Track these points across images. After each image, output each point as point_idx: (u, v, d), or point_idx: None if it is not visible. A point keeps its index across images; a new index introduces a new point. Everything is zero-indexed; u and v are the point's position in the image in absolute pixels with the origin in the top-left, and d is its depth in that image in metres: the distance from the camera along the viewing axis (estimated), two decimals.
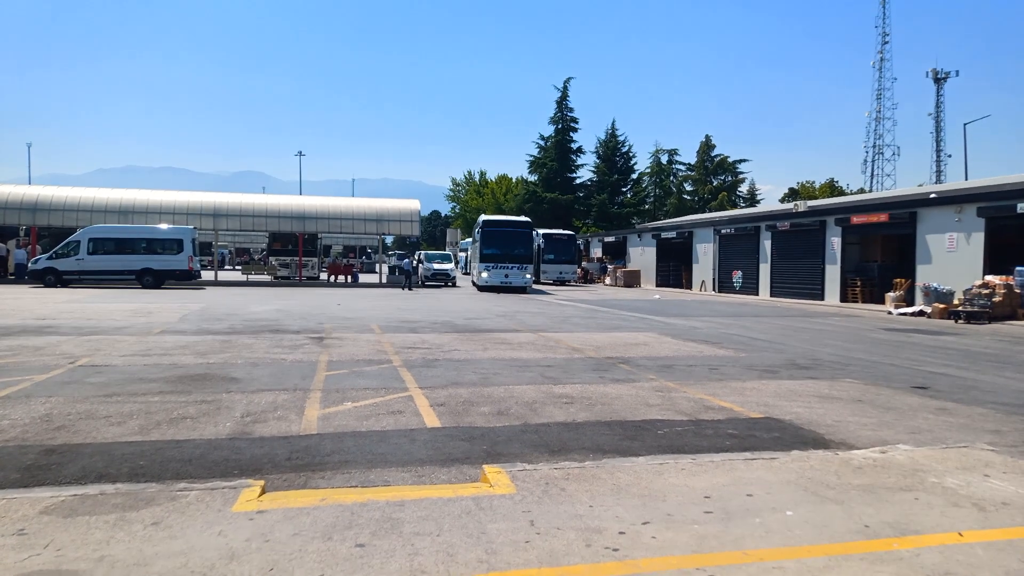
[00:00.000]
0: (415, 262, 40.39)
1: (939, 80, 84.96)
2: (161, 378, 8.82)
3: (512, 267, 33.92)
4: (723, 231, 38.79)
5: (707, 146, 76.47)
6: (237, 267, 58.37)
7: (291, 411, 7.12)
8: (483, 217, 37.90)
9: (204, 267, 44.75)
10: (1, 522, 3.95)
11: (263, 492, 4.53)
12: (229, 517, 4.06)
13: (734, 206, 69.09)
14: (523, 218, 38.75)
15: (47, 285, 30.03)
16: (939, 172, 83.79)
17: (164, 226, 33.07)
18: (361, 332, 14.59)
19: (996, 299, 20.93)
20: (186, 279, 32.18)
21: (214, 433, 6.22)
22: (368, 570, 3.41)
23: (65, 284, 30.43)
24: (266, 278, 42.00)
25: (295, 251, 42.23)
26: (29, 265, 32.14)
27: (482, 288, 34.36)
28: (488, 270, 33.85)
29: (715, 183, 75.29)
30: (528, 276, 34.57)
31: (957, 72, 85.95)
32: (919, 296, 24.45)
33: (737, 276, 37.10)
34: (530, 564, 3.52)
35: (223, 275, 44.47)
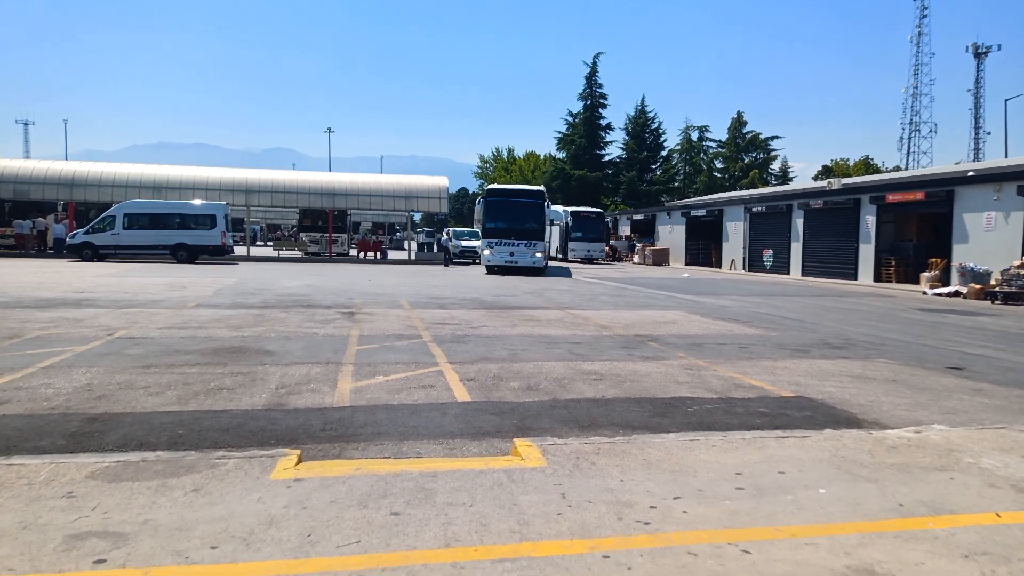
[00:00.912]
0: (444, 239, 40.53)
1: (979, 55, 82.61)
2: (197, 350, 9.00)
3: (519, 244, 28.40)
4: (754, 209, 38.30)
5: (739, 122, 75.28)
6: (268, 243, 59.05)
7: (324, 384, 7.23)
8: (488, 187, 32.75)
9: (236, 243, 45.33)
10: (51, 485, 4.08)
11: (299, 461, 4.63)
12: (267, 484, 4.16)
13: (766, 184, 68.11)
14: (534, 186, 33.31)
15: (84, 259, 30.66)
16: (977, 150, 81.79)
17: (198, 202, 33.50)
18: (391, 308, 14.72)
19: None
20: (219, 254, 32.62)
21: (250, 404, 6.35)
22: (404, 537, 3.48)
23: (101, 258, 31.04)
24: (296, 254, 42.42)
25: (325, 227, 42.54)
26: (67, 239, 32.81)
27: (489, 269, 29.51)
28: (491, 247, 28.61)
29: (746, 160, 74.20)
30: (539, 255, 28.63)
31: (999, 46, 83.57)
32: (955, 276, 23.98)
33: (768, 255, 36.67)
34: (562, 535, 3.56)
35: (255, 251, 45.03)
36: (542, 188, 30.42)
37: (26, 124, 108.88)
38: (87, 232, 31.41)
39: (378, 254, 42.92)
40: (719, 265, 41.39)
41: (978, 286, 22.01)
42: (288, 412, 6.10)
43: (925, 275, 25.12)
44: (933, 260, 25.59)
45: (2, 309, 12.81)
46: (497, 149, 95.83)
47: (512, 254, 28.26)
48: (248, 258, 37.86)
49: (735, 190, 63.16)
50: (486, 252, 28.72)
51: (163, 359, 8.36)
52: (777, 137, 75.59)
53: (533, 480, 4.35)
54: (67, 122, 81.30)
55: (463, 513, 3.80)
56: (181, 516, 3.69)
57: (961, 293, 22.51)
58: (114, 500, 3.89)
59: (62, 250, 33.83)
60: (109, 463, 4.50)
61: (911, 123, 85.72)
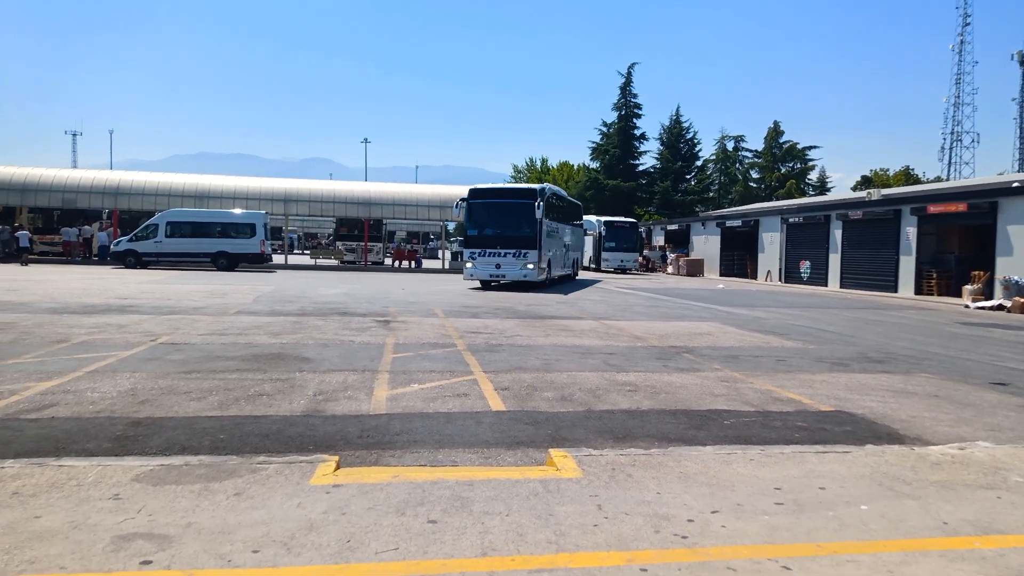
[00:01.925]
0: None
1: None
2: (237, 356, 9.16)
3: (505, 253, 23.57)
4: (791, 220, 37.79)
5: (775, 132, 74.39)
6: (305, 251, 59.86)
7: (361, 391, 7.31)
8: (471, 188, 25.75)
9: (275, 251, 46.06)
10: (99, 487, 4.19)
11: (338, 467, 4.69)
12: (307, 490, 4.22)
13: (803, 194, 67.16)
14: (526, 184, 27.26)
15: (127, 266, 31.41)
16: (1022, 160, 79.70)
17: (238, 211, 34.15)
18: (425, 316, 14.82)
19: None
20: (258, 262, 33.19)
21: (289, 410, 6.45)
22: (441, 545, 3.50)
23: (144, 265, 31.76)
24: (333, 262, 42.95)
25: (361, 236, 43.04)
26: (111, 247, 33.65)
27: (483, 283, 25.33)
28: (473, 258, 24.14)
29: (783, 170, 73.24)
30: (531, 266, 23.58)
31: None
32: (998, 289, 23.38)
33: (805, 266, 36.13)
34: (599, 547, 3.55)
35: (292, 259, 45.70)
36: (535, 187, 24.27)
37: (74, 135, 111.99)
38: (131, 240, 32.19)
39: (412, 263, 43.25)
40: (754, 276, 40.89)
41: (1023, 300, 21.43)
42: (326, 418, 6.18)
43: (967, 288, 24.54)
44: (976, 273, 24.98)
45: (50, 314, 13.18)
46: (531, 159, 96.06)
47: (498, 266, 23.57)
48: (286, 266, 38.42)
49: (771, 200, 62.41)
50: (467, 265, 24.20)
51: (204, 365, 8.53)
52: (815, 147, 74.59)
53: (569, 491, 4.35)
54: (112, 132, 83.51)
55: (500, 522, 3.82)
56: (224, 520, 3.77)
57: (1005, 307, 21.93)
58: (159, 503, 3.98)
59: (106, 257, 34.70)
60: (153, 466, 4.61)
61: (953, 133, 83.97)
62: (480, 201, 24.43)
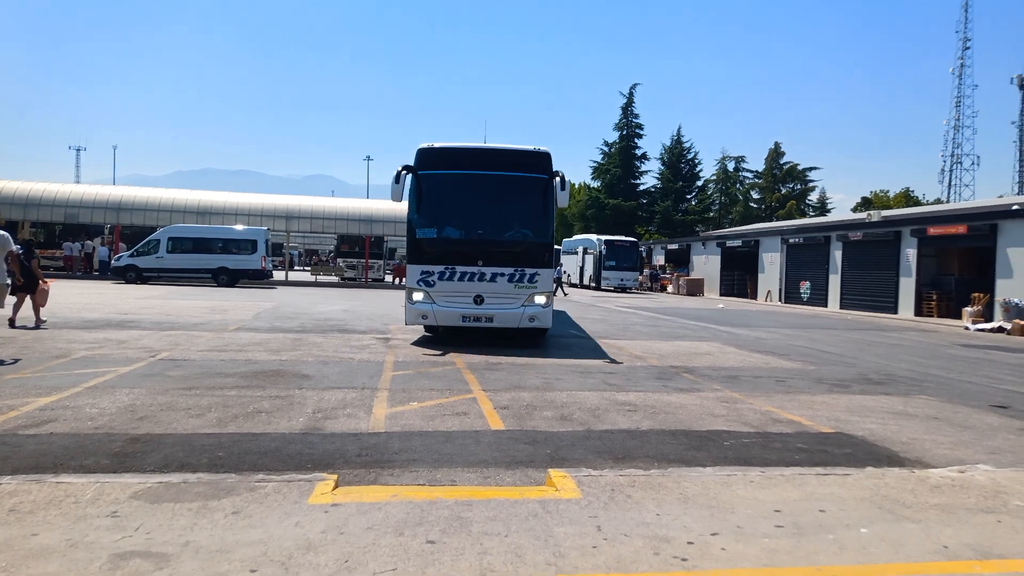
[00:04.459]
0: None
1: None
2: (237, 373, 9.15)
3: (493, 275, 12.69)
4: (791, 240, 37.87)
5: (776, 153, 74.81)
6: (306, 268, 59.89)
7: (360, 409, 7.30)
8: (420, 146, 13.20)
9: (276, 267, 46.10)
10: (96, 504, 4.18)
11: (336, 486, 4.67)
12: (305, 509, 4.21)
13: (803, 215, 67.38)
14: (523, 146, 13.41)
15: (128, 281, 31.41)
16: (1022, 183, 79.97)
17: (239, 227, 34.26)
18: (426, 335, 14.79)
19: None
20: (259, 279, 33.22)
21: (288, 428, 6.43)
22: (439, 566, 3.49)
23: (145, 281, 31.77)
24: (334, 279, 42.97)
25: (361, 253, 43.09)
26: (112, 262, 33.69)
27: (429, 329, 14.31)
28: (427, 284, 12.72)
29: (783, 191, 73.59)
30: (540, 300, 12.79)
31: None
32: (998, 312, 23.39)
33: (805, 287, 36.17)
34: (598, 569, 3.54)
35: (293, 275, 45.72)
36: (543, 149, 13.16)
37: (78, 150, 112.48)
38: (132, 255, 32.23)
39: None
40: (754, 296, 40.89)
41: (1023, 322, 21.43)
42: (325, 436, 6.17)
43: (967, 310, 24.54)
44: (976, 295, 24.99)
45: (50, 329, 13.17)
46: None
47: (479, 298, 12.59)
48: (287, 282, 38.44)
49: (771, 221, 62.56)
50: (416, 296, 12.75)
51: (204, 381, 8.52)
52: (815, 168, 75.02)
53: (568, 512, 4.33)
54: (116, 148, 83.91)
55: (498, 543, 3.80)
56: (222, 538, 3.75)
57: (1005, 329, 21.92)
58: (156, 521, 3.97)
59: (107, 272, 34.72)
60: (151, 484, 4.59)
61: (953, 155, 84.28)
62: (441, 174, 12.88)
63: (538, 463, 5.57)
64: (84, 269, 37.61)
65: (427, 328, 13.96)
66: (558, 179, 12.46)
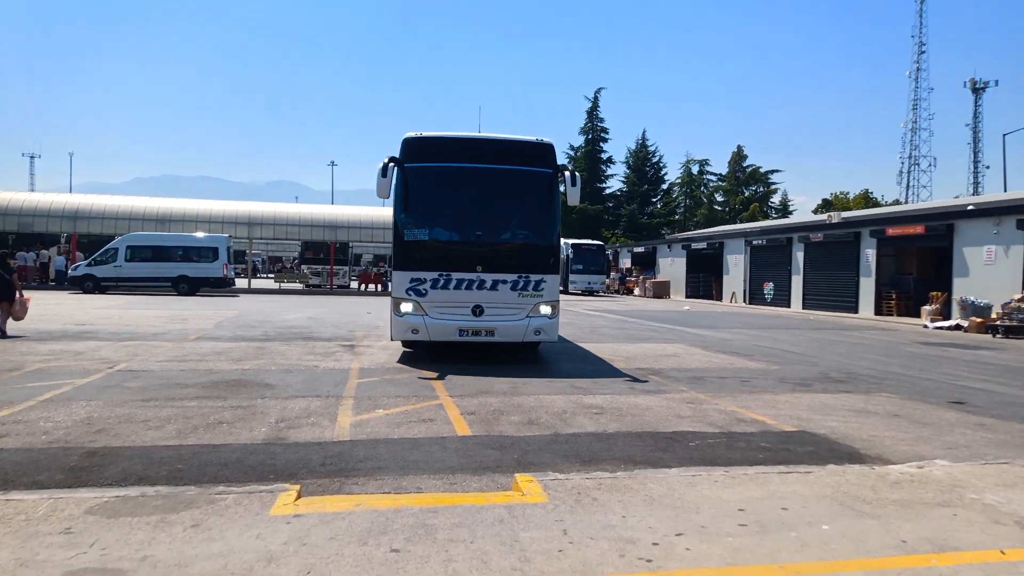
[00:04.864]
0: None
1: (977, 90, 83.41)
2: (197, 383, 8.99)
3: (494, 283, 11.18)
4: (754, 242, 38.41)
5: (739, 156, 75.90)
6: (270, 275, 59.19)
7: (324, 417, 7.21)
8: (407, 136, 11.56)
9: (238, 275, 45.44)
10: (49, 521, 4.06)
11: (299, 496, 4.60)
12: (267, 520, 4.13)
13: (766, 217, 68.41)
14: (525, 137, 11.98)
15: (86, 291, 30.71)
16: (976, 184, 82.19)
17: (200, 234, 33.72)
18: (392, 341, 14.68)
19: None
20: (221, 286, 32.72)
21: (250, 438, 6.32)
22: (403, 575, 3.45)
23: (103, 290, 31.08)
24: (298, 286, 42.49)
25: (327, 259, 42.71)
26: (68, 272, 32.91)
27: (409, 344, 12.45)
28: (417, 293, 11.11)
29: (747, 194, 74.66)
30: (545, 310, 11.39)
31: (996, 82, 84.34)
32: (956, 310, 23.97)
33: (768, 288, 36.69)
34: (563, 573, 3.53)
35: (256, 283, 45.09)
36: (545, 140, 11.83)
37: (32, 157, 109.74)
38: (89, 264, 31.52)
39: (379, 286, 42.98)
40: (720, 298, 41.38)
41: (979, 320, 21.99)
42: (288, 446, 6.08)
43: (926, 308, 25.11)
44: (934, 294, 25.59)
45: (4, 341, 12.81)
46: None
47: (477, 310, 11.16)
48: (249, 290, 37.90)
49: (735, 223, 63.42)
50: (404, 308, 11.19)
51: (163, 392, 8.34)
52: (777, 171, 76.25)
53: (534, 516, 4.32)
54: (72, 155, 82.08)
55: (464, 550, 3.77)
56: (180, 552, 3.67)
57: (962, 327, 22.47)
58: (113, 536, 3.86)
59: (63, 282, 33.90)
60: (108, 498, 4.48)
61: (910, 157, 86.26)
62: (432, 167, 11.47)
63: (505, 468, 5.55)
64: (39, 279, 36.68)
65: (406, 344, 12.38)
66: (567, 173, 11.34)
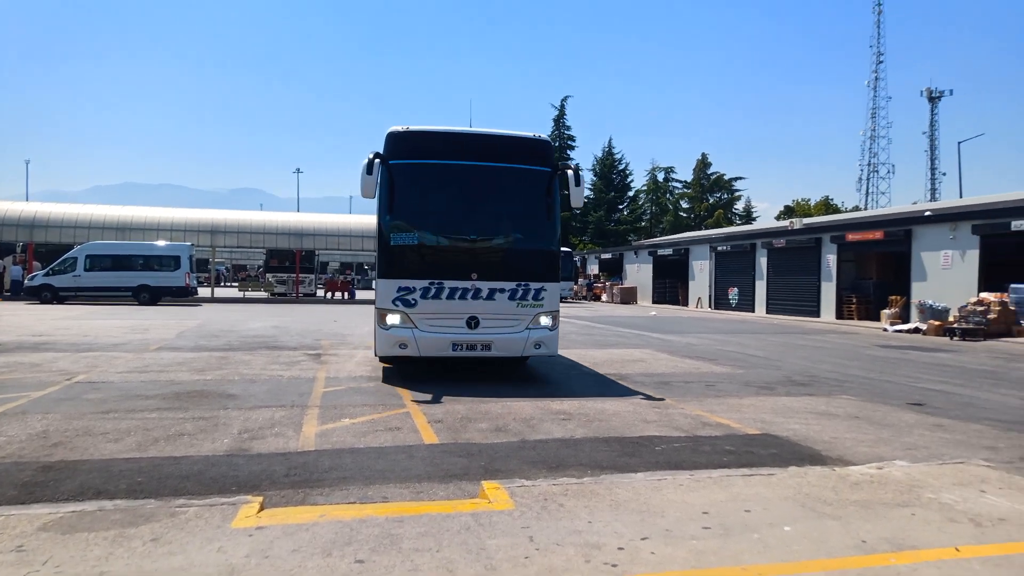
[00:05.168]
0: None
1: (933, 99, 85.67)
2: (158, 395, 8.82)
3: (492, 291, 10.22)
4: (719, 248, 38.92)
5: (703, 164, 76.90)
6: (234, 284, 58.37)
7: (288, 428, 7.12)
8: (391, 130, 10.55)
9: (201, 284, 44.73)
10: (0, 539, 3.94)
11: (262, 508, 4.53)
12: (228, 533, 4.06)
13: (730, 223, 69.37)
14: (520, 133, 11.08)
15: (43, 301, 30.00)
16: (934, 190, 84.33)
17: (161, 243, 33.18)
18: (358, 348, 14.59)
19: (991, 316, 21.00)
20: (183, 296, 32.19)
21: (212, 450, 6.22)
22: None
23: (61, 301, 30.38)
24: (263, 295, 41.97)
25: (292, 268, 42.24)
26: (25, 282, 32.11)
27: (384, 358, 11.24)
28: (405, 303, 10.07)
29: (711, 200, 75.66)
30: (545, 321, 10.45)
31: (951, 91, 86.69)
32: (914, 313, 24.51)
33: (733, 293, 37.17)
34: None
35: (220, 292, 44.46)
36: (542, 136, 11.10)
37: None
38: (47, 274, 30.80)
39: (346, 294, 42.63)
40: (686, 303, 41.81)
41: (937, 323, 22.52)
42: (251, 458, 5.99)
43: (886, 312, 25.64)
44: (893, 297, 26.15)
45: None
46: None
47: (472, 321, 10.17)
48: (213, 299, 37.34)
49: (701, 229, 64.20)
50: (391, 320, 10.12)
51: (123, 404, 8.17)
52: (741, 178, 77.66)
53: (501, 523, 4.31)
54: (29, 162, 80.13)
55: (429, 559, 3.75)
56: (139, 567, 3.59)
57: (921, 330, 22.99)
58: (68, 553, 3.76)
59: (19, 292, 33.07)
60: (64, 514, 4.36)
61: (869, 164, 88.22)
62: (420, 164, 10.47)
63: (472, 476, 5.54)
64: None
65: (383, 359, 11.30)
66: (571, 172, 10.51)
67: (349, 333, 18.34)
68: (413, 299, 10.01)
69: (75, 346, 14.03)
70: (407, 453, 6.21)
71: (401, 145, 10.32)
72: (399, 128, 10.44)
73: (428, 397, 8.95)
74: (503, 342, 10.23)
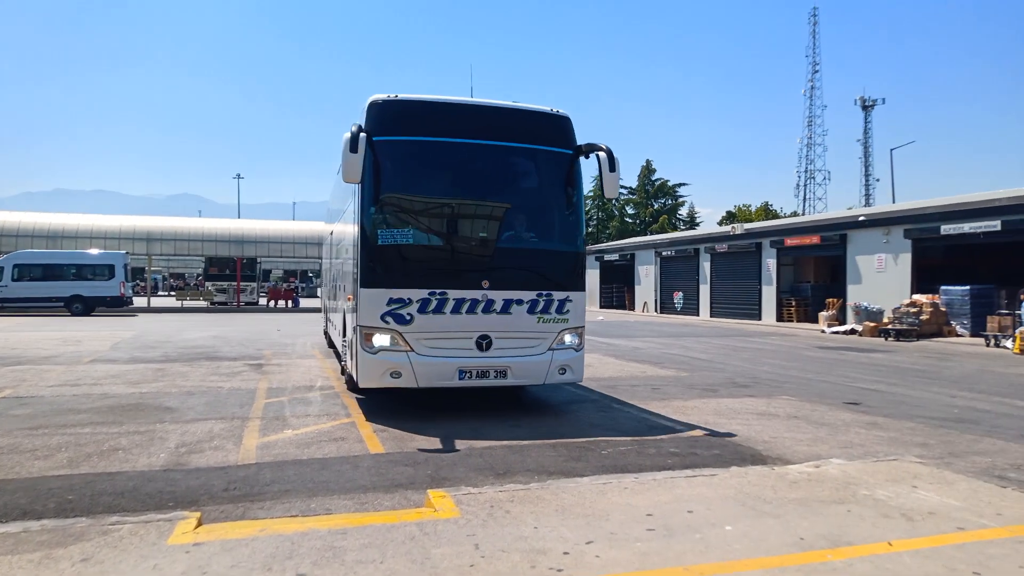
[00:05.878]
0: None
1: (867, 107, 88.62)
2: (91, 409, 8.49)
3: (507, 303, 8.07)
4: (664, 253, 39.56)
5: (648, 170, 78.09)
6: (171, 293, 56.84)
7: (228, 440, 6.94)
8: (373, 99, 8.13)
9: (137, 293, 43.38)
10: None
11: (199, 524, 4.40)
12: (164, 550, 3.93)
13: (675, 229, 70.58)
14: (531, 106, 8.75)
15: None
16: (868, 196, 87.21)
17: (95, 251, 32.11)
18: (302, 358, 14.34)
19: (923, 317, 21.85)
20: (117, 306, 31.19)
21: (147, 465, 6.01)
22: None
23: None
24: (202, 304, 40.91)
25: (233, 276, 41.33)
26: None
27: (353, 388, 9.26)
28: (397, 319, 7.78)
29: (656, 206, 76.86)
30: (569, 339, 8.62)
31: (884, 100, 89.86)
32: (850, 315, 25.33)
33: (678, 297, 37.82)
34: None
35: (156, 301, 43.16)
36: (560, 112, 8.77)
37: None
38: None
39: (290, 302, 41.90)
40: (632, 307, 42.36)
41: (872, 324, 23.31)
42: (188, 472, 5.81)
43: (823, 314, 26.43)
44: (830, 300, 26.98)
45: None
46: None
47: (484, 342, 8.00)
48: (149, 309, 36.22)
49: (646, 235, 65.16)
50: (379, 341, 7.82)
51: (53, 419, 7.84)
52: (684, 184, 78.85)
53: (446, 532, 4.28)
54: None
55: (373, 571, 3.69)
56: None
57: (857, 331, 23.76)
58: None
59: None
60: None
61: (806, 171, 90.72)
62: (412, 142, 8.25)
63: (418, 485, 5.48)
64: None
65: (350, 387, 9.39)
66: (603, 154, 8.35)
67: (292, 342, 18.01)
68: (409, 314, 7.81)
69: (1, 360, 13.42)
70: (352, 464, 6.11)
71: (387, 119, 8.05)
72: (382, 96, 8.17)
73: (375, 406, 8.84)
74: (522, 367, 8.16)
